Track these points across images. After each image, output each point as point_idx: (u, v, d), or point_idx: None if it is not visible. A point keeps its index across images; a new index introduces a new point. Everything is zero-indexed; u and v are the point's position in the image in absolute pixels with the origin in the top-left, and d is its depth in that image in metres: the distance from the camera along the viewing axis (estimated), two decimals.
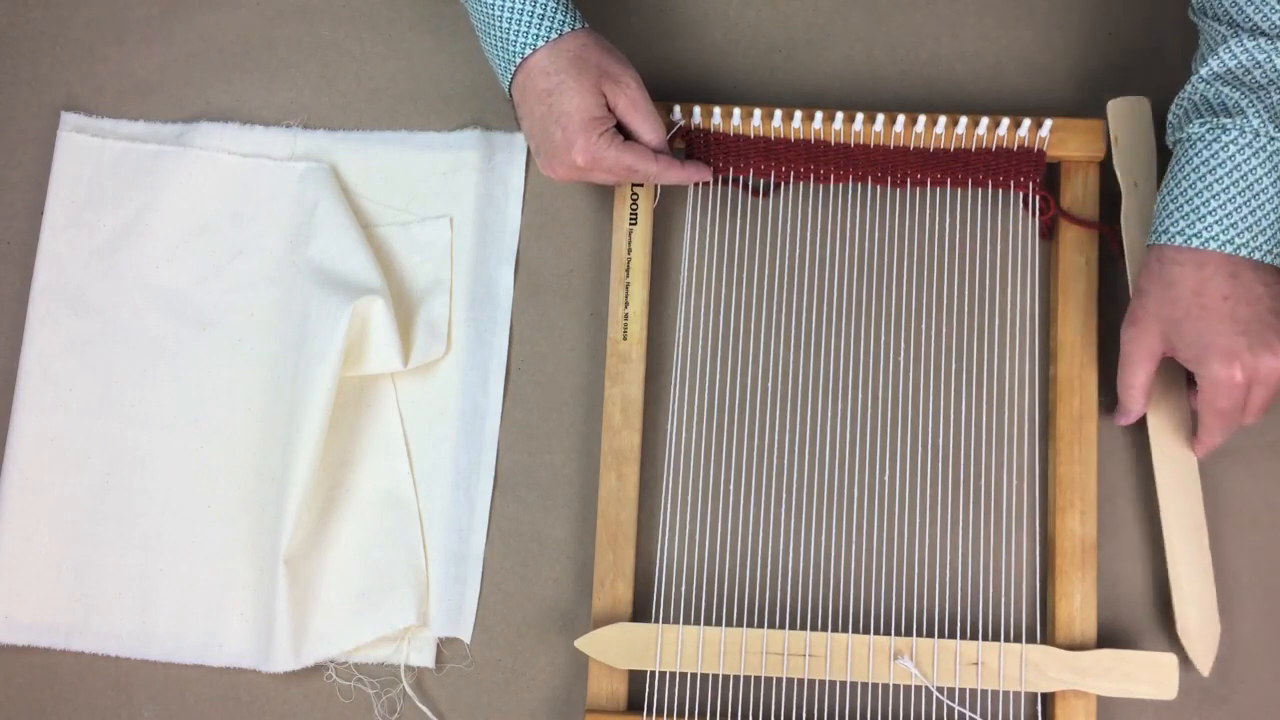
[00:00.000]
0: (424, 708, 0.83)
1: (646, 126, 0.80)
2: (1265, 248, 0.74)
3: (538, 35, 0.78)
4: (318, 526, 0.84)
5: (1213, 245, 0.74)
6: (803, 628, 0.81)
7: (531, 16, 0.78)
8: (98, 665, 0.84)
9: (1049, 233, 0.86)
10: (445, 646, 0.84)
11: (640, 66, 0.82)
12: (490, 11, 0.79)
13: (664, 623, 0.80)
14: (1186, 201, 0.75)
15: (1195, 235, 0.75)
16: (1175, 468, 0.82)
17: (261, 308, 0.89)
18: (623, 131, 0.81)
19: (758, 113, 0.84)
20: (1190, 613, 0.80)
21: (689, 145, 0.85)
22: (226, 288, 0.89)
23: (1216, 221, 0.74)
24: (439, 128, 0.91)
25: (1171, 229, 0.76)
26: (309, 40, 0.93)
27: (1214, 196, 0.75)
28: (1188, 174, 0.76)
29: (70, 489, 0.86)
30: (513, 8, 0.78)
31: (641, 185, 0.85)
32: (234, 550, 0.85)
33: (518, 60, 0.78)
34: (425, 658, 0.83)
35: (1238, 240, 0.74)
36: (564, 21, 0.79)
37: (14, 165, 0.92)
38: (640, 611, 0.82)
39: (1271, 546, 0.83)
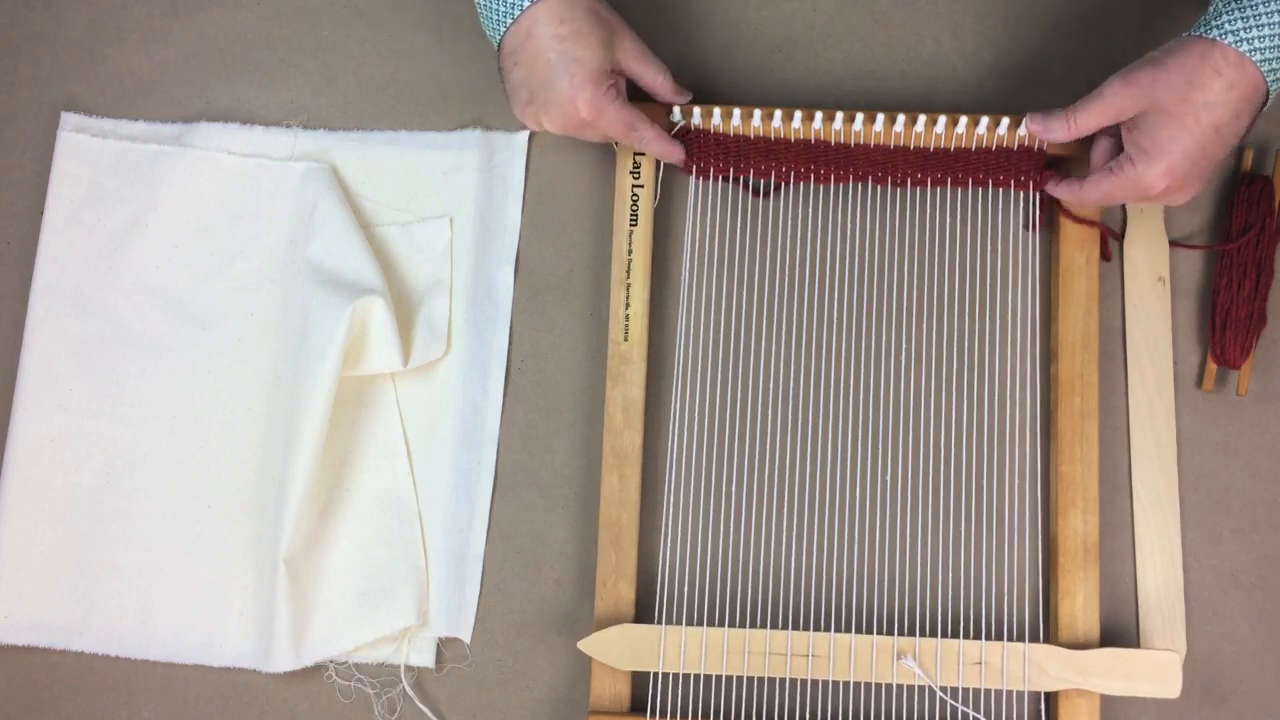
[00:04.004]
0: (424, 708, 0.82)
1: (653, 70, 0.82)
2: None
3: None
4: (318, 526, 0.84)
5: (1258, 59, 0.72)
6: (806, 628, 0.81)
7: None
8: (98, 665, 0.84)
9: (1045, 219, 0.86)
10: (445, 646, 0.84)
11: None
12: None
13: (667, 624, 0.80)
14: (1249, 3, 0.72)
15: (1249, 41, 0.72)
16: (1155, 496, 0.84)
17: (261, 308, 0.88)
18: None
19: (758, 113, 0.84)
20: (1154, 629, 0.82)
21: (689, 145, 0.85)
22: (226, 288, 0.89)
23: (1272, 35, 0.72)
24: (439, 128, 0.91)
25: (1228, 25, 0.72)
26: (309, 40, 0.93)
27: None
28: None
29: (70, 489, 0.86)
30: None
31: (641, 185, 0.85)
32: (234, 550, 0.85)
33: (525, 4, 0.77)
34: (425, 658, 0.83)
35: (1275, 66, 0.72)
36: None
37: (14, 165, 0.92)
38: (643, 613, 0.82)
39: (1271, 546, 0.83)
